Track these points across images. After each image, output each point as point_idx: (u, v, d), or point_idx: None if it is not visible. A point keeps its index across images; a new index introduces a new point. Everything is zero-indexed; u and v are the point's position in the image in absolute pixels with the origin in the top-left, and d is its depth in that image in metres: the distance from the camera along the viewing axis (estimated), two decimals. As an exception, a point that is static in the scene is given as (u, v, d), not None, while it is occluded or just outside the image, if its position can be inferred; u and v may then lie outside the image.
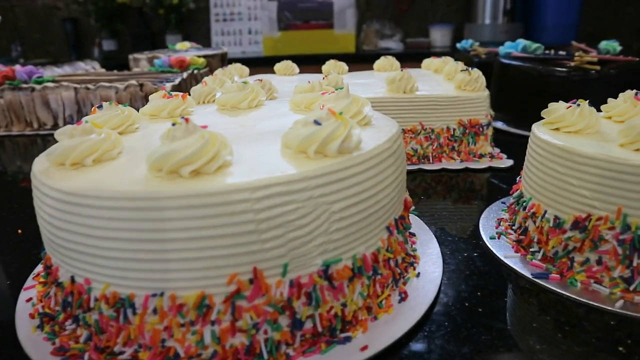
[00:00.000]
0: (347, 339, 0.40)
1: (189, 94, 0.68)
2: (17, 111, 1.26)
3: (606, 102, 0.62)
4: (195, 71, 1.45)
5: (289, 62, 1.22)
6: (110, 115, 0.52)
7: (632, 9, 2.79)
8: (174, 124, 0.39)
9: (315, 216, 0.38)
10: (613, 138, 0.51)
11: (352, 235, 0.41)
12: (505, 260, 0.54)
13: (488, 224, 0.63)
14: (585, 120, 0.54)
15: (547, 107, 0.58)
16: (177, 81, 1.26)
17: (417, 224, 0.61)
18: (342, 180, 0.39)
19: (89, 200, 0.36)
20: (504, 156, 0.90)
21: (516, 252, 0.55)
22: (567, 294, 0.47)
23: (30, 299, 0.48)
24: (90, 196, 0.36)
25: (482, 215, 0.65)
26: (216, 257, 0.35)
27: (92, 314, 0.39)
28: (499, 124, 1.15)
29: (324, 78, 0.87)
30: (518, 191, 0.60)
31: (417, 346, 0.41)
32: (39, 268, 0.53)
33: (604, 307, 0.45)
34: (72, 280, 0.40)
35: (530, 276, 0.50)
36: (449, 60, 1.11)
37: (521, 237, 0.56)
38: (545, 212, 0.53)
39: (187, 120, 0.39)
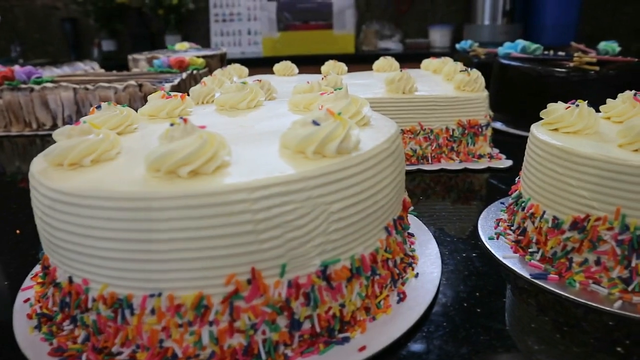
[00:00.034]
0: (346, 340, 0.40)
1: (188, 95, 0.68)
2: (16, 111, 1.26)
3: (605, 103, 0.62)
4: (195, 72, 1.45)
5: (288, 63, 1.22)
6: (108, 115, 0.51)
7: (631, 9, 2.80)
8: (172, 124, 0.39)
9: (314, 216, 0.38)
10: (612, 138, 0.52)
11: (351, 235, 0.41)
12: (504, 261, 0.54)
13: (487, 225, 0.63)
14: (584, 120, 0.54)
15: (546, 107, 0.58)
16: (176, 82, 1.26)
17: (416, 225, 0.61)
18: (341, 181, 0.39)
19: (86, 201, 0.36)
20: (503, 157, 0.90)
21: (515, 252, 0.55)
22: (566, 295, 0.47)
23: (28, 299, 0.48)
24: (88, 196, 0.36)
25: (481, 216, 0.65)
26: (214, 257, 0.35)
27: (90, 314, 0.39)
28: (498, 125, 1.15)
29: (323, 78, 0.87)
30: (517, 192, 0.60)
31: (416, 347, 0.41)
32: (37, 268, 0.53)
33: (603, 307, 0.45)
34: (70, 280, 0.40)
35: (528, 277, 0.50)
36: (448, 60, 1.11)
37: (520, 237, 0.56)
38: (544, 212, 0.53)
39: (185, 120, 0.39)
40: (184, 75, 1.36)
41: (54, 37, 3.07)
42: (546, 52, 1.30)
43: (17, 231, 0.67)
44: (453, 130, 0.88)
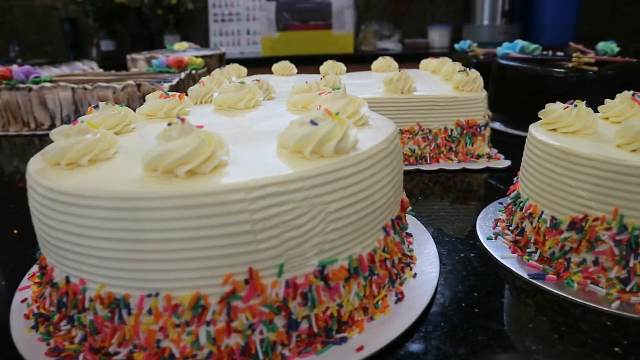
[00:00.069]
0: (343, 340, 0.40)
1: (187, 94, 0.68)
2: (14, 111, 1.26)
3: (603, 103, 0.62)
4: (193, 71, 1.44)
5: (286, 63, 1.22)
6: (106, 115, 0.51)
7: (629, 9, 2.80)
8: (169, 124, 0.39)
9: (311, 216, 0.38)
10: (610, 139, 0.52)
11: (348, 235, 0.41)
12: (502, 261, 0.54)
13: (485, 225, 0.63)
14: (583, 121, 0.54)
15: (544, 107, 0.58)
16: (174, 81, 1.26)
17: (414, 225, 0.61)
18: (338, 181, 0.39)
19: (83, 201, 0.36)
20: (502, 157, 0.90)
21: (513, 252, 0.55)
22: (564, 295, 0.47)
23: (26, 299, 0.48)
24: (85, 196, 0.36)
25: (479, 216, 0.65)
26: (211, 257, 0.35)
27: (87, 314, 0.39)
28: (497, 125, 1.15)
29: (321, 78, 0.87)
30: (515, 192, 0.60)
31: (414, 347, 0.41)
32: (35, 268, 0.53)
33: (601, 307, 0.45)
34: (67, 280, 0.40)
35: (527, 277, 0.50)
36: (446, 60, 1.11)
37: (518, 237, 0.56)
38: (542, 212, 0.53)
39: (183, 120, 0.39)
40: (183, 75, 1.36)
41: (53, 37, 3.07)
42: (545, 53, 1.31)
43: (15, 231, 0.66)
44: (452, 130, 0.88)
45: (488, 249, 0.57)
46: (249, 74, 1.18)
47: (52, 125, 1.27)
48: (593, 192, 0.47)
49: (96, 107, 0.52)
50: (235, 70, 1.15)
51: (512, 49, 1.29)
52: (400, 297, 0.46)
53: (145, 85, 1.22)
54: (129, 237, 0.35)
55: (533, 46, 1.28)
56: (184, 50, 1.91)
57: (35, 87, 1.24)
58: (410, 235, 0.57)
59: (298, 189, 0.37)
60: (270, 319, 0.37)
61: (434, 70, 1.14)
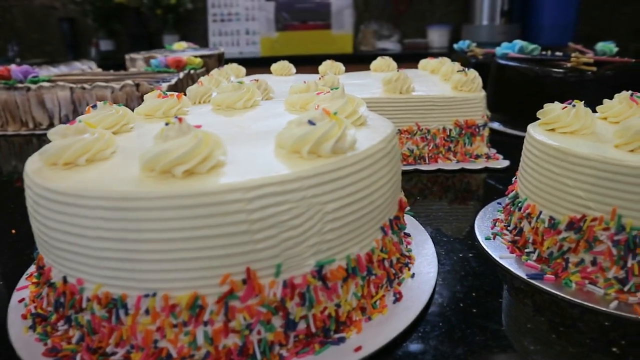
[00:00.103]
0: (341, 340, 0.40)
1: (185, 94, 0.68)
2: (12, 111, 1.26)
3: (602, 103, 0.62)
4: (192, 71, 1.44)
5: (285, 63, 1.22)
6: (104, 114, 0.51)
7: (629, 9, 2.80)
8: (167, 124, 0.39)
9: (309, 216, 0.38)
10: (608, 139, 0.52)
11: (346, 235, 0.41)
12: (501, 261, 0.54)
13: (483, 225, 0.63)
14: (581, 121, 0.54)
15: (543, 107, 0.58)
16: (173, 81, 1.26)
17: (412, 225, 0.61)
18: (336, 181, 0.39)
19: (80, 200, 0.36)
20: (500, 157, 0.90)
21: (511, 252, 0.55)
22: (562, 295, 0.47)
23: (23, 299, 0.47)
24: (82, 196, 0.36)
25: (478, 216, 0.65)
26: (209, 257, 0.35)
27: (85, 314, 0.39)
28: (496, 125, 1.15)
29: (320, 78, 0.87)
30: (513, 192, 0.60)
31: (412, 347, 0.41)
32: (32, 268, 0.53)
33: (599, 307, 0.45)
34: (65, 280, 0.39)
35: (525, 277, 0.50)
36: (445, 60, 1.11)
37: (516, 237, 0.56)
38: (541, 212, 0.53)
39: (180, 120, 0.39)
40: (181, 74, 1.35)
41: (51, 37, 3.07)
42: (544, 53, 1.30)
43: (13, 231, 0.66)
44: (450, 130, 0.88)
45: (486, 249, 0.57)
46: (248, 74, 1.18)
47: (51, 125, 1.27)
48: (591, 192, 0.47)
49: (94, 106, 0.52)
50: (234, 70, 1.15)
51: (511, 49, 1.29)
52: (398, 297, 0.46)
53: (143, 85, 1.22)
54: (127, 237, 0.35)
55: (532, 46, 1.28)
56: (182, 50, 1.91)
57: (33, 86, 1.24)
58: (408, 235, 0.57)
59: (295, 189, 0.37)
60: (268, 319, 0.37)
61: (432, 70, 1.14)
